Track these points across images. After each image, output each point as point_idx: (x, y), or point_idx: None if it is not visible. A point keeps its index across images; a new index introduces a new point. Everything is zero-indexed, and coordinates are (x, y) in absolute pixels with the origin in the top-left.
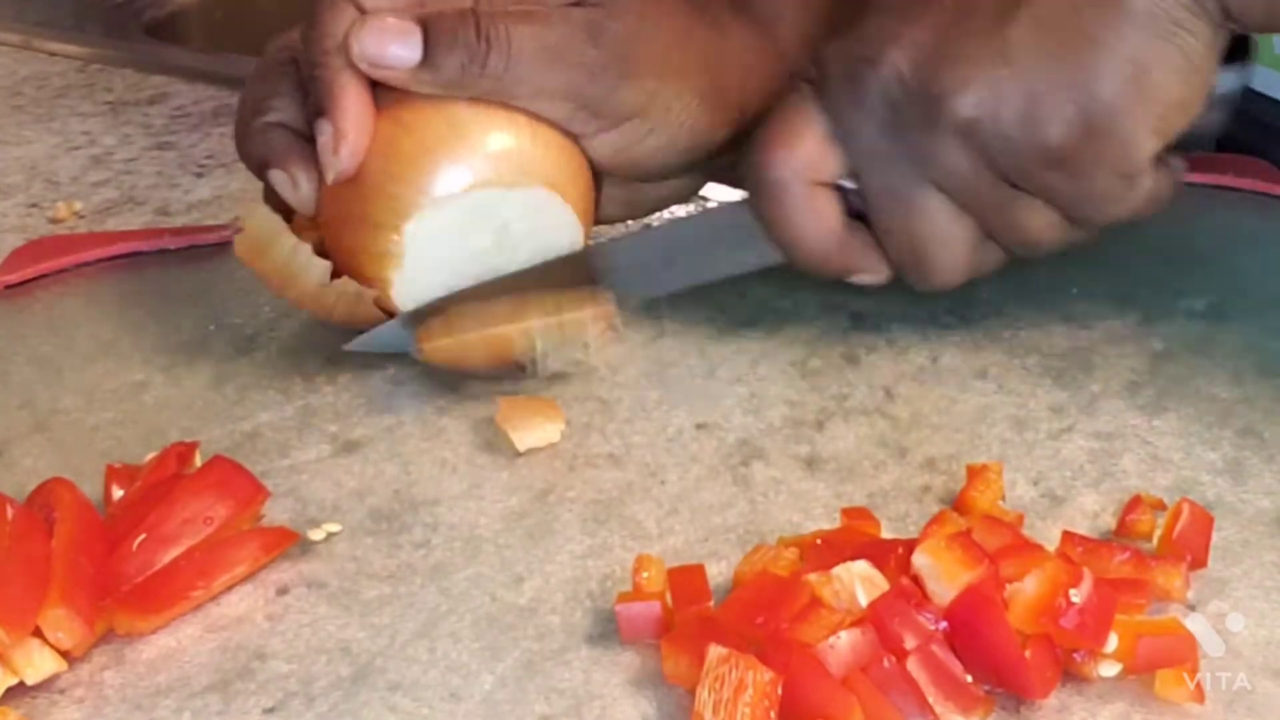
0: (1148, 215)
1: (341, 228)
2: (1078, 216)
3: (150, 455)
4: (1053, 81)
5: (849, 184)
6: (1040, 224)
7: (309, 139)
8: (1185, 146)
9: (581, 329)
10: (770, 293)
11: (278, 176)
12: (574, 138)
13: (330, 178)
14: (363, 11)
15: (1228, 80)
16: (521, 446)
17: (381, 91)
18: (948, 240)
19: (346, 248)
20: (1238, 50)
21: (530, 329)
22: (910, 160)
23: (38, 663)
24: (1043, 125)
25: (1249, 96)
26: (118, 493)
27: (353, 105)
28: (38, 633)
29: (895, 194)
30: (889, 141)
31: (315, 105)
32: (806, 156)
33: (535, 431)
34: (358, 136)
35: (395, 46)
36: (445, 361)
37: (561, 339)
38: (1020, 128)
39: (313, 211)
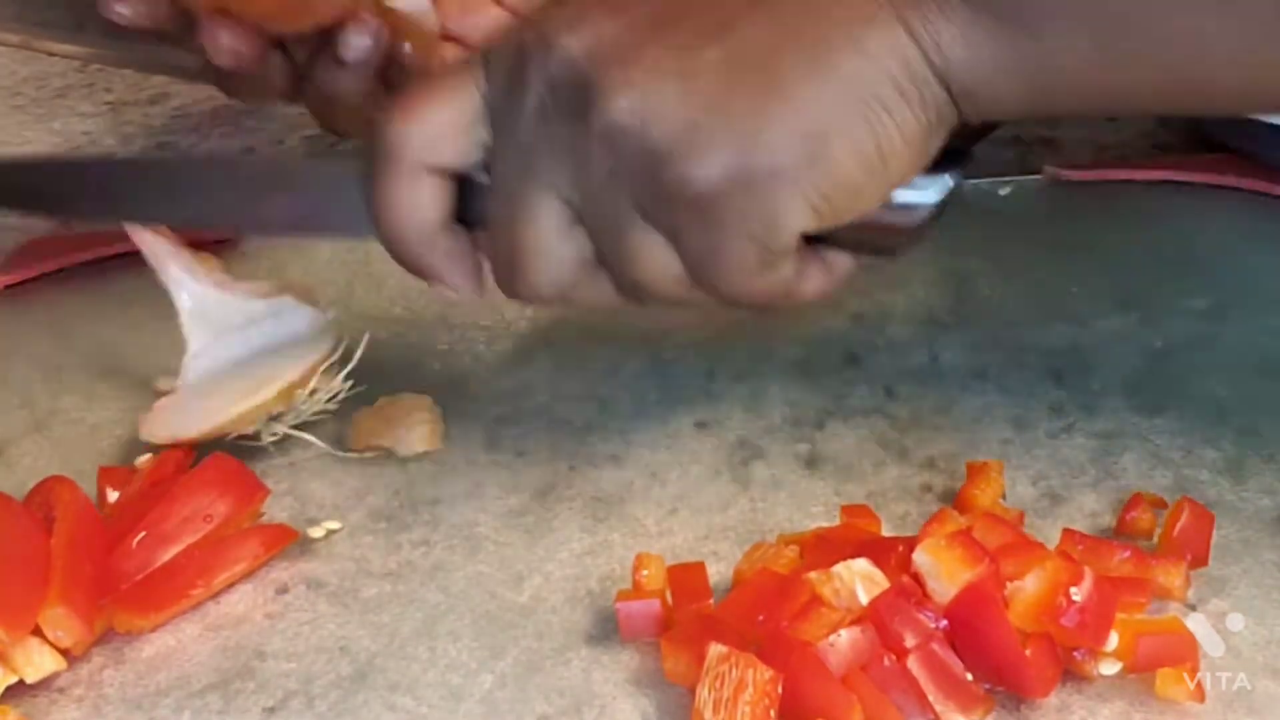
0: (784, 307)
1: None
2: (701, 274)
3: (145, 457)
4: (723, 115)
5: (480, 177)
6: (657, 266)
7: None
8: (860, 251)
9: (302, 386)
10: None
11: None
12: None
13: None
14: None
15: (924, 191)
16: (404, 454)
17: None
18: (550, 253)
19: None
20: (949, 160)
21: (250, 408)
22: (541, 155)
23: (37, 661)
24: (692, 157)
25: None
26: (112, 494)
27: None
28: (37, 631)
29: (512, 191)
30: (526, 130)
31: None
32: (432, 134)
33: (416, 432)
34: None
35: None
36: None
37: (289, 401)
38: (667, 150)
39: None
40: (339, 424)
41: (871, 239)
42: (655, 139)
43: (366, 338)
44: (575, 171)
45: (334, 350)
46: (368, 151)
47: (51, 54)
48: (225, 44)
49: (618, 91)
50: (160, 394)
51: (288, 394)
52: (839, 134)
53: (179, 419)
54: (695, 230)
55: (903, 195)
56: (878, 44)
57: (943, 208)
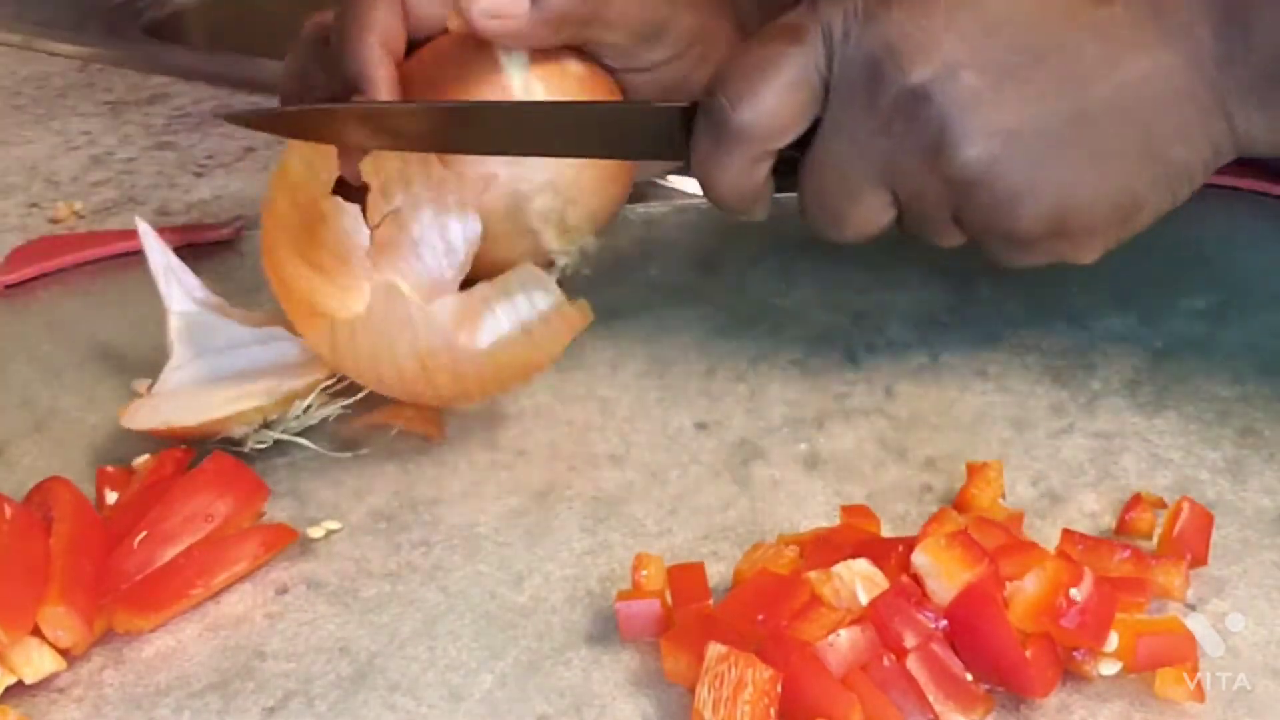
0: None
1: None
2: (989, 255)
3: (143, 458)
4: (1057, 179)
5: (793, 153)
6: (953, 243)
7: None
8: None
9: (301, 399)
10: (770, 292)
11: None
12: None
13: None
14: None
15: None
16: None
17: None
18: (869, 225)
19: None
20: None
21: (250, 408)
22: (879, 159)
23: (36, 662)
24: (1023, 211)
25: None
26: (111, 495)
27: (385, 79)
28: (36, 632)
29: (846, 176)
30: (867, 135)
31: (349, 82)
32: (775, 125)
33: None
34: None
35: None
36: (149, 431)
37: (285, 410)
38: (1004, 204)
39: None
40: (335, 426)
41: None
42: (994, 193)
43: None
44: (911, 184)
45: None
46: (704, 113)
47: (52, 54)
48: None
49: (970, 141)
50: (137, 395)
51: (286, 402)
52: (1149, 203)
53: (166, 410)
54: (1004, 251)
55: None
56: (1200, 133)
57: None
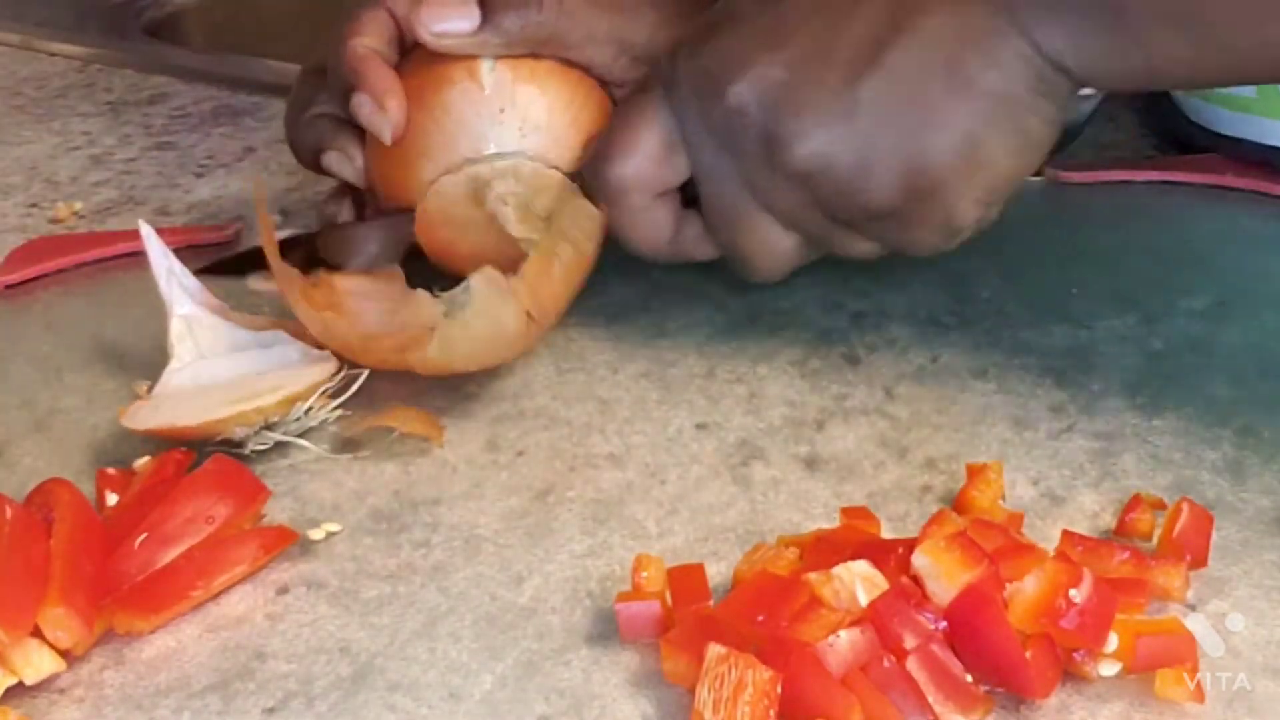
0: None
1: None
2: (901, 251)
3: (143, 460)
4: (888, 146)
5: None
6: (864, 250)
7: (353, 125)
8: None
9: (302, 401)
10: (770, 293)
11: (332, 156)
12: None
13: (387, 136)
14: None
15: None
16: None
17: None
18: (772, 251)
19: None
20: None
21: (250, 409)
22: (743, 184)
23: (36, 662)
24: (871, 185)
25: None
26: (111, 497)
27: (380, 73)
28: (37, 632)
29: (726, 209)
30: (726, 162)
31: (347, 87)
32: (647, 169)
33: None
34: (396, 98)
35: (455, 19)
36: (150, 432)
37: (286, 412)
38: (851, 184)
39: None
40: (335, 428)
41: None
42: (837, 178)
43: (365, 373)
44: (776, 200)
45: (335, 374)
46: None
47: (51, 54)
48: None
49: (795, 141)
50: (139, 397)
51: (287, 404)
52: (989, 140)
53: (166, 411)
54: (889, 232)
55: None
56: (1008, 55)
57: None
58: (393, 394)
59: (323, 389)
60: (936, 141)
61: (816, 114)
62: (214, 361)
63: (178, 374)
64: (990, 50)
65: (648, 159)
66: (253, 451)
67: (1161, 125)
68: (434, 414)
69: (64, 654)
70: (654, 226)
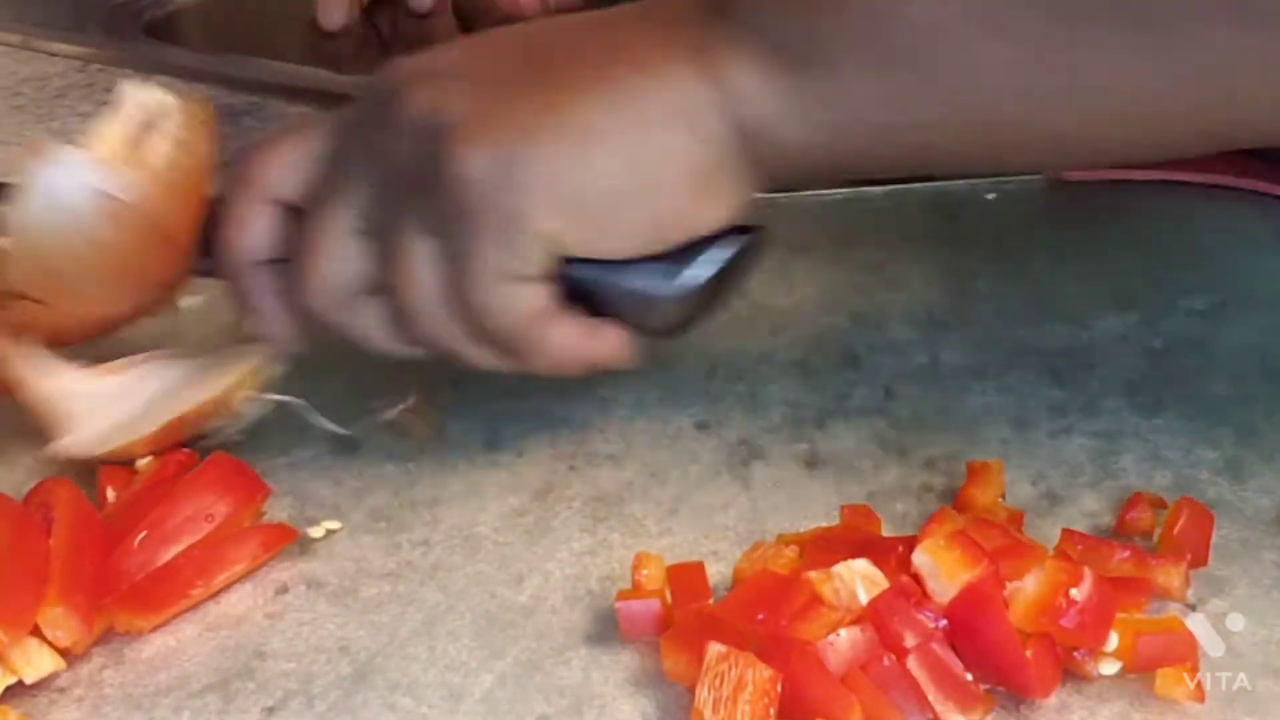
0: (561, 374)
1: None
2: (459, 287)
3: (146, 460)
4: (504, 112)
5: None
6: (421, 277)
7: None
8: (630, 322)
9: (239, 394)
10: (770, 292)
11: None
12: None
13: None
14: None
15: (697, 264)
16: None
17: None
18: (333, 259)
19: None
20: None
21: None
22: (344, 169)
23: (36, 662)
24: (466, 144)
25: None
26: (111, 494)
27: None
28: (36, 632)
29: (315, 200)
30: (338, 151)
31: None
32: (279, 169)
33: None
34: None
35: None
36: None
37: (228, 410)
38: (447, 136)
39: None
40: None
41: (639, 307)
42: (442, 124)
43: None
44: (367, 178)
45: (262, 365)
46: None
47: (51, 54)
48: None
49: (416, 89)
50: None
51: (224, 401)
52: (605, 139)
53: (115, 433)
54: (453, 225)
55: (678, 265)
56: (666, 68)
57: (721, 287)
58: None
59: (255, 376)
60: (550, 122)
61: (445, 72)
62: (109, 409)
63: (80, 434)
64: (648, 58)
65: (283, 159)
66: (238, 435)
67: None
68: (435, 412)
69: (64, 653)
70: (245, 230)
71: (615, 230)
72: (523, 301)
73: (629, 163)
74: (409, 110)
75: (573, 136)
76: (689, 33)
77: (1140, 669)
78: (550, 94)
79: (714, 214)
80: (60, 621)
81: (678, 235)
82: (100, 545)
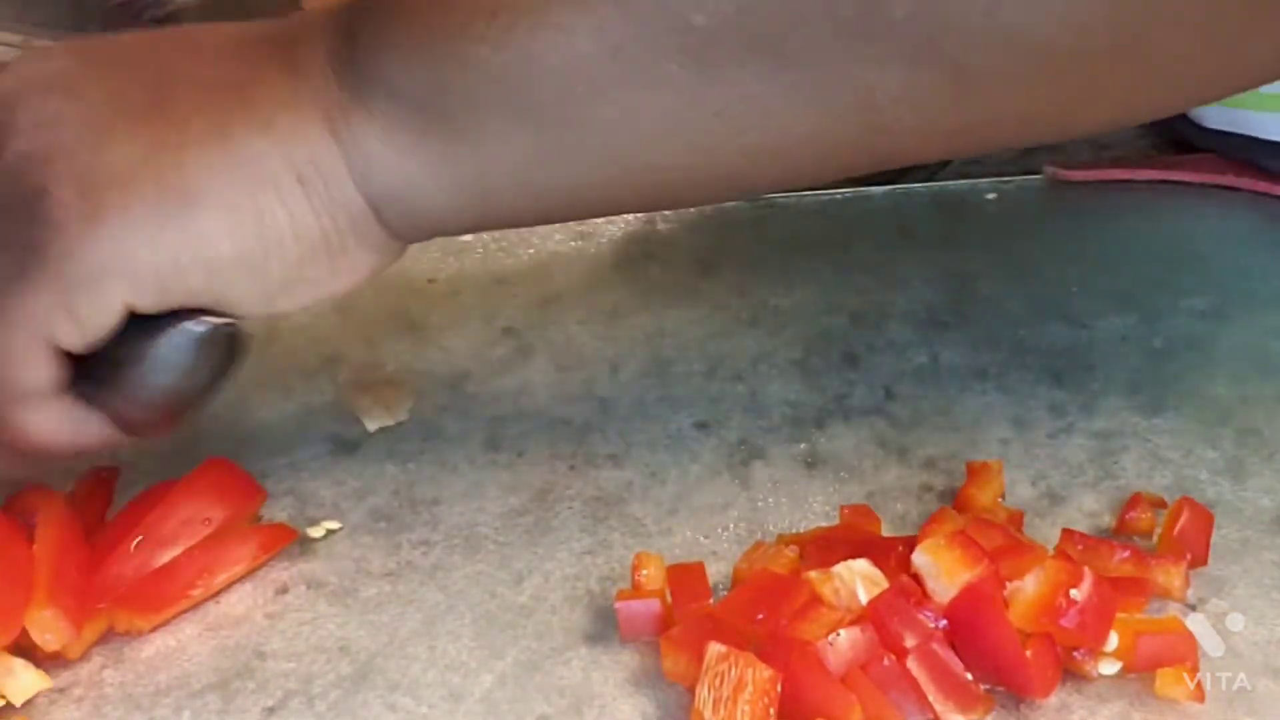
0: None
1: None
2: None
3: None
4: (112, 154)
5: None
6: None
7: None
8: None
9: None
10: (770, 292)
11: None
12: None
13: None
14: None
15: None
16: (371, 427)
17: None
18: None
19: None
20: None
21: None
22: None
23: (24, 683)
24: (55, 176)
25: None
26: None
27: None
28: (21, 651)
29: None
30: None
31: None
32: None
33: (383, 411)
34: None
35: None
36: None
37: None
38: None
39: None
40: (335, 427)
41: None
42: (43, 154)
43: None
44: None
45: None
46: None
47: None
48: None
49: (30, 98)
50: None
51: None
52: (209, 202)
53: None
54: (19, 255)
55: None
56: (288, 129)
57: (204, 375)
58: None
59: None
60: (152, 175)
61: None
62: None
63: None
64: (270, 117)
65: None
66: None
67: (1160, 123)
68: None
69: (59, 656)
70: None
71: (210, 297)
72: (28, 375)
73: (232, 230)
74: (19, 118)
75: (175, 195)
76: (319, 86)
77: (1140, 669)
78: (163, 136)
79: (337, 283)
80: (49, 624)
81: (289, 304)
82: (85, 550)
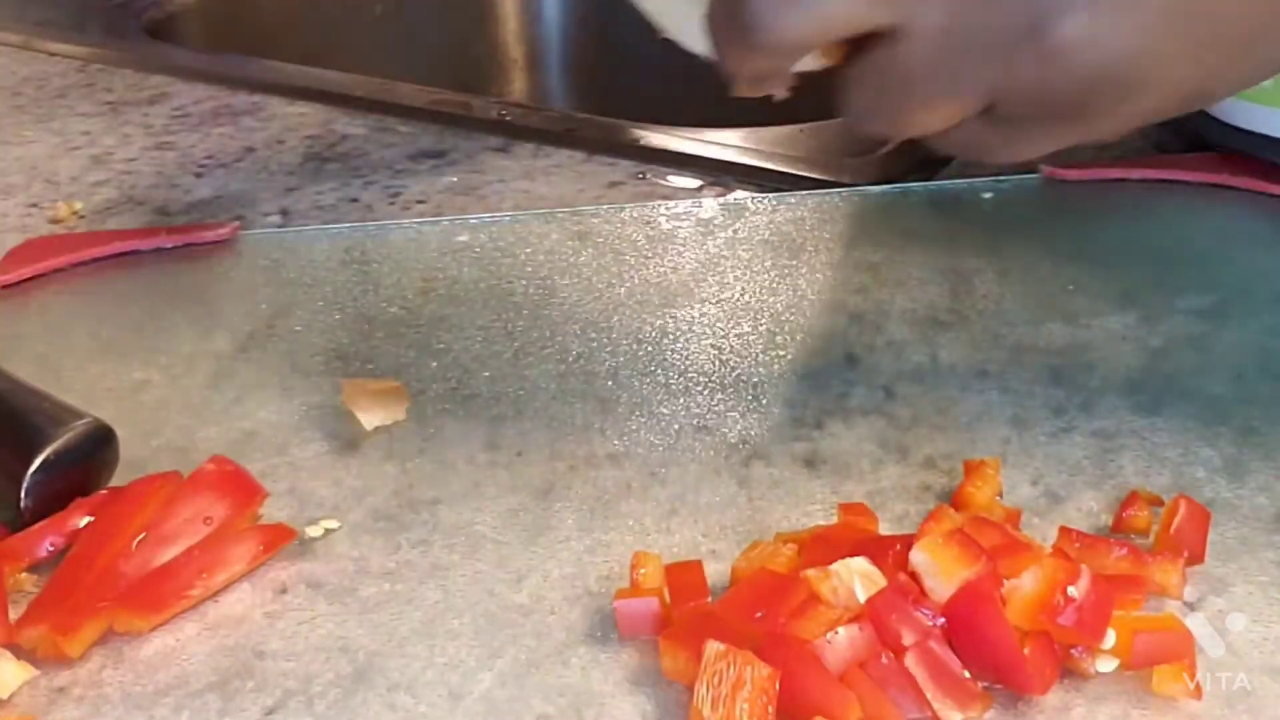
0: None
1: None
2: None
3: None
4: (1173, 49)
5: None
6: (1035, 147)
7: None
8: None
9: None
10: (770, 292)
11: None
12: None
13: None
14: None
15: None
16: (369, 426)
17: None
18: (934, 125)
19: None
20: None
21: None
22: (966, 64)
23: (5, 676)
24: (1146, 88)
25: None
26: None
27: None
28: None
29: (916, 86)
30: (953, 39)
31: None
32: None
33: (380, 411)
34: None
35: None
36: None
37: None
38: (1117, 80)
39: None
40: (335, 425)
41: None
42: (1102, 68)
43: None
44: (990, 75)
45: None
46: None
47: (51, 54)
48: None
49: (1067, 12)
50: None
51: None
52: (1223, 89)
53: None
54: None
55: None
56: None
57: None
58: (395, 373)
59: None
60: (1168, 76)
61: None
62: None
63: None
64: None
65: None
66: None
67: (1173, 122)
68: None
69: (61, 656)
70: (805, 35)
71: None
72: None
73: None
74: (1057, 32)
75: (1193, 90)
76: None
77: (1138, 666)
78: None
79: None
80: (37, 640)
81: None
82: (78, 556)
